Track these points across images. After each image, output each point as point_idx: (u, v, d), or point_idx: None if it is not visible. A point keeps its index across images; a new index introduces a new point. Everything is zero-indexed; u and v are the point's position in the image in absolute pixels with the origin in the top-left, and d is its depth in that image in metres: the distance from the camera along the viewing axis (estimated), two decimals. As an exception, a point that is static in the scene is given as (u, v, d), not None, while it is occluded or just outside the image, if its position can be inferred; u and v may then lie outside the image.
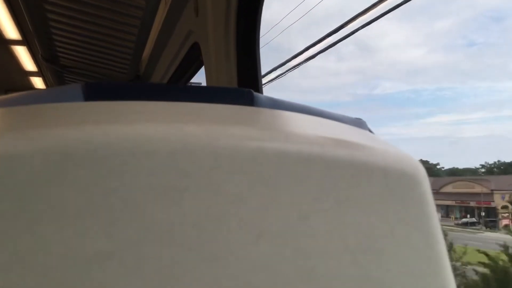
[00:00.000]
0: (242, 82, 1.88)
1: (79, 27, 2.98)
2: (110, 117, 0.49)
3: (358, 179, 0.48)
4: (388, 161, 0.50)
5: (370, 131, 0.71)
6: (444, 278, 0.52)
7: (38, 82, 5.88)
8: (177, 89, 0.66)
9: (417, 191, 0.51)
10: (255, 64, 1.91)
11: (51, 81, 5.26)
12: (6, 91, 6.21)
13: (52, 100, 0.55)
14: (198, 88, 0.77)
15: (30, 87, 6.07)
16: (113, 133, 0.42)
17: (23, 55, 4.67)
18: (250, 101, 0.66)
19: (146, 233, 0.40)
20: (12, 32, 4.01)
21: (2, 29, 3.95)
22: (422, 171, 0.53)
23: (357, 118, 0.75)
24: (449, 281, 0.52)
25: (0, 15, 3.63)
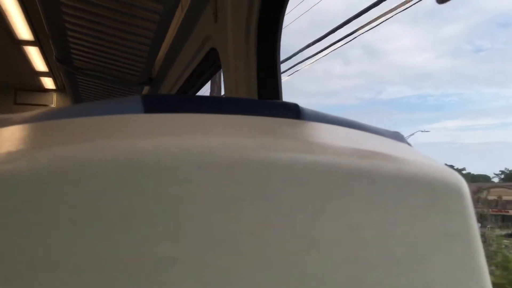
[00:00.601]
0: (262, 89, 1.87)
1: (94, 30, 2.98)
2: (172, 129, 0.51)
3: (404, 192, 0.50)
4: (432, 174, 0.52)
5: (409, 144, 0.72)
6: None
7: (48, 83, 5.91)
8: (228, 102, 0.68)
9: (460, 204, 0.53)
10: (275, 71, 1.90)
11: (62, 81, 5.28)
12: (16, 90, 6.24)
13: (114, 111, 0.57)
14: (247, 101, 0.78)
15: (40, 87, 6.11)
16: (177, 145, 0.44)
17: (34, 55, 4.70)
18: (297, 114, 0.68)
19: (207, 240, 0.42)
20: (25, 33, 4.04)
21: (15, 30, 3.97)
22: (464, 185, 0.54)
23: (395, 132, 0.76)
24: None
25: (14, 17, 3.66)
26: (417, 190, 0.50)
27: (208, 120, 0.57)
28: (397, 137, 0.73)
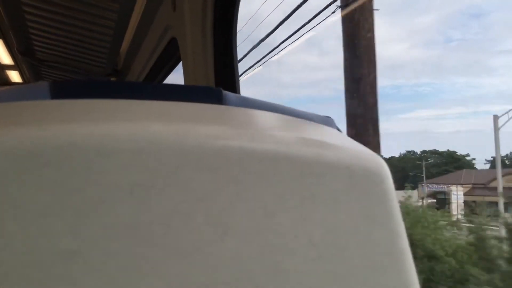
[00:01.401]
0: (219, 78, 1.87)
1: (55, 20, 2.94)
2: (75, 115, 0.49)
3: (323, 177, 0.49)
4: (352, 159, 0.52)
5: (338, 129, 0.72)
6: (407, 274, 0.53)
7: (14, 76, 5.79)
8: (146, 87, 0.66)
9: (380, 188, 0.53)
10: (232, 60, 1.91)
11: (28, 75, 5.19)
12: (-18, 85, 6.11)
13: (17, 98, 0.55)
14: (168, 86, 0.77)
15: (7, 80, 5.98)
16: (78, 132, 0.42)
17: (-1, 48, 4.60)
18: (219, 100, 0.67)
19: (112, 231, 0.41)
20: (-14, 24, 3.95)
21: (-23, 21, 3.89)
22: (385, 169, 0.54)
23: (326, 116, 0.76)
24: (412, 277, 0.53)
25: (-26, 7, 3.58)
26: (336, 174, 0.50)
27: (119, 106, 0.55)
28: (327, 122, 0.73)
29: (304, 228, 0.48)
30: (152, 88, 0.66)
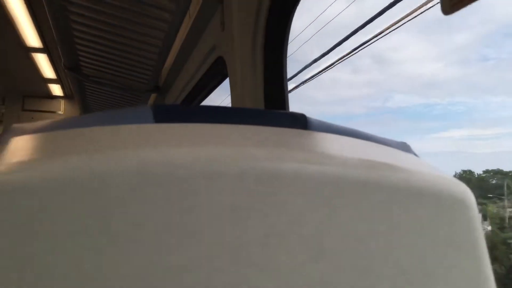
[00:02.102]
0: (269, 98, 1.88)
1: (102, 38, 3.01)
2: (183, 139, 0.52)
3: (411, 203, 0.50)
4: (439, 186, 0.53)
5: (415, 155, 0.72)
6: None
7: (56, 90, 5.95)
8: (236, 112, 0.69)
9: (466, 215, 0.53)
10: (282, 80, 1.91)
11: (70, 88, 5.31)
12: (24, 97, 6.28)
13: (125, 121, 0.58)
14: (255, 111, 0.79)
15: (48, 94, 6.15)
16: (187, 155, 0.44)
17: (43, 62, 4.74)
18: (304, 125, 0.69)
19: (216, 249, 0.43)
20: (33, 40, 4.07)
21: (24, 37, 4.01)
22: (470, 196, 0.55)
23: (402, 142, 0.76)
24: None
25: (23, 24, 3.70)
26: (423, 201, 0.51)
27: (217, 130, 0.58)
28: (404, 147, 0.73)
29: (393, 254, 0.48)
30: (242, 113, 0.69)
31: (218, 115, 0.66)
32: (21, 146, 0.49)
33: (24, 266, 0.38)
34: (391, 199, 0.49)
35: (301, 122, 0.69)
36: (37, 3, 3.17)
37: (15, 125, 0.57)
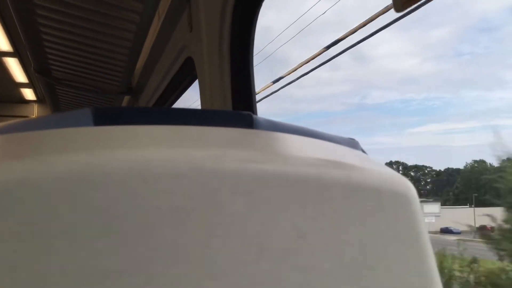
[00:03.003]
0: (236, 97, 1.89)
1: (72, 40, 2.98)
2: (120, 142, 0.51)
3: (353, 199, 0.51)
4: (380, 181, 0.53)
5: (363, 151, 0.74)
6: None
7: (28, 94, 5.86)
8: (180, 112, 0.69)
9: (408, 210, 0.54)
10: (249, 79, 1.93)
11: (42, 92, 5.24)
12: (-4, 102, 6.17)
13: (63, 125, 0.57)
14: (200, 111, 0.79)
15: (21, 98, 6.06)
16: (124, 157, 0.44)
17: (14, 67, 4.66)
18: (250, 124, 0.69)
19: (155, 253, 0.42)
20: (3, 44, 4.01)
21: (-6, 41, 3.95)
22: (413, 191, 0.56)
23: (350, 139, 0.77)
24: None
25: (-8, 27, 3.64)
26: (365, 197, 0.52)
27: (158, 131, 0.58)
28: (352, 144, 0.75)
29: (335, 249, 0.49)
30: (187, 113, 0.68)
31: (161, 116, 0.66)
32: None
33: None
34: (332, 196, 0.50)
35: (247, 121, 0.69)
36: (5, 6, 3.13)
37: None
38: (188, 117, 0.68)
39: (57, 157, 0.43)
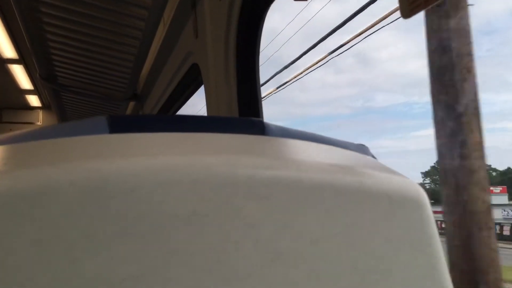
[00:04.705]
0: (242, 103, 1.89)
1: (78, 47, 3.00)
2: (136, 149, 0.52)
3: (365, 204, 0.51)
4: (392, 186, 0.54)
5: (373, 156, 0.74)
6: None
7: (34, 100, 5.88)
8: (193, 120, 0.69)
9: (419, 214, 0.54)
10: (255, 84, 1.93)
11: (48, 99, 5.26)
12: (1, 109, 6.19)
13: (79, 132, 0.58)
14: (213, 118, 0.80)
15: (26, 105, 6.07)
16: (141, 164, 0.45)
17: (19, 73, 4.68)
18: (262, 130, 0.70)
19: (171, 257, 0.43)
20: (9, 51, 4.03)
21: None
22: (424, 195, 0.56)
23: (360, 144, 0.77)
24: None
25: (-2, 35, 3.66)
26: (377, 202, 0.52)
27: (173, 139, 0.59)
28: (362, 149, 0.75)
29: (348, 254, 0.49)
30: (200, 120, 0.69)
31: (174, 124, 0.67)
32: None
33: None
34: (344, 201, 0.50)
35: (259, 128, 0.70)
36: (11, 14, 3.15)
37: None
38: (201, 124, 0.68)
39: (76, 165, 0.44)
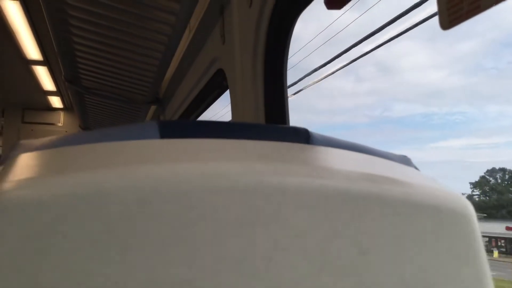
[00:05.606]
0: (269, 110, 1.88)
1: (103, 50, 3.02)
2: (188, 154, 0.53)
3: (413, 216, 0.51)
4: (439, 199, 0.54)
5: (416, 168, 0.73)
6: None
7: (56, 102, 5.96)
8: (240, 127, 0.70)
9: (466, 228, 0.54)
10: (282, 92, 1.92)
11: (70, 100, 5.32)
12: (24, 110, 6.29)
13: (130, 137, 0.60)
14: (259, 126, 0.80)
15: (48, 106, 6.16)
16: (193, 170, 0.45)
17: (43, 75, 4.76)
18: (307, 139, 0.70)
19: (221, 263, 0.43)
20: (34, 53, 4.09)
21: (25, 50, 4.03)
22: (471, 209, 0.56)
23: (403, 156, 0.77)
24: None
25: (23, 37, 3.72)
26: (424, 215, 0.51)
27: (222, 145, 0.59)
28: (405, 160, 0.74)
29: (396, 267, 0.49)
30: (246, 127, 0.70)
31: (221, 130, 0.67)
32: (29, 163, 0.49)
33: (35, 281, 0.39)
34: (392, 213, 0.50)
35: (304, 136, 0.70)
36: (37, 16, 3.19)
37: (23, 141, 0.58)
38: (248, 131, 0.69)
39: (131, 169, 0.44)
